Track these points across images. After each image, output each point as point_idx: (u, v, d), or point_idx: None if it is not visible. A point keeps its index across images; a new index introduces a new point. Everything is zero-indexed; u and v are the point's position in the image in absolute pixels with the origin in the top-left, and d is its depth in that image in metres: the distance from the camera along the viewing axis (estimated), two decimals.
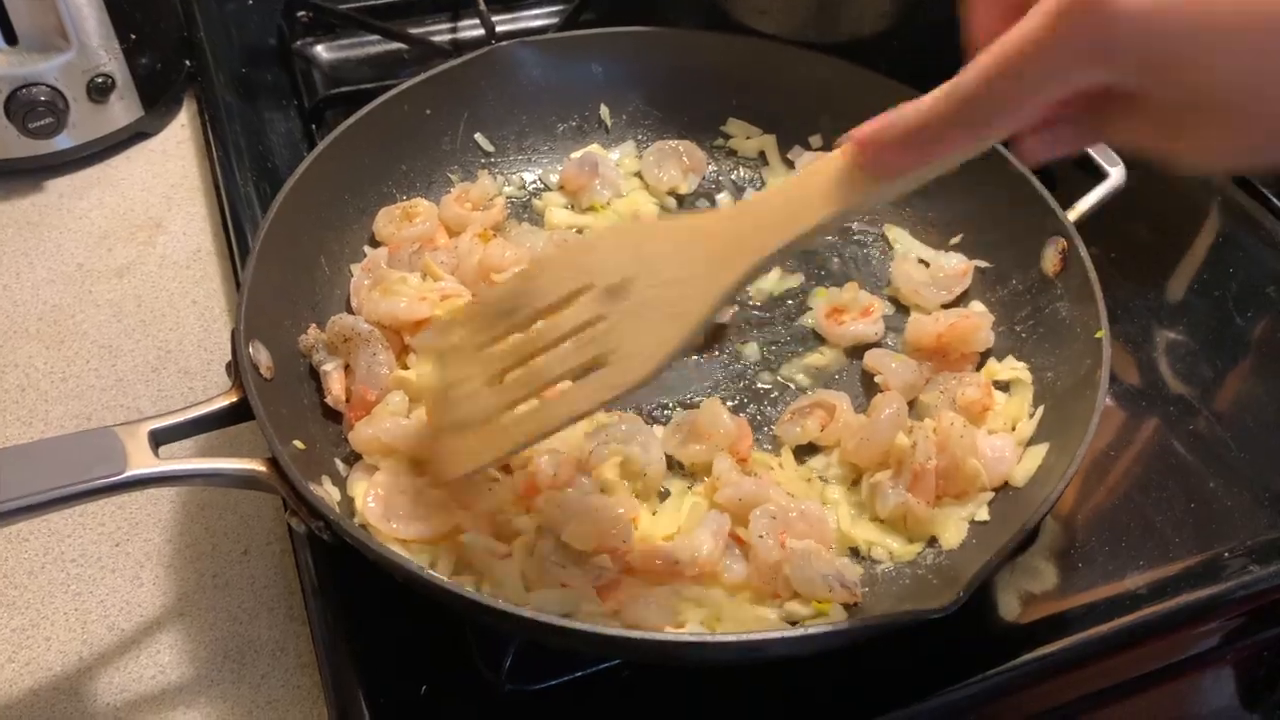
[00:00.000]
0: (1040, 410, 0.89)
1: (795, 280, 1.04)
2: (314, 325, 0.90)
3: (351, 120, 0.99)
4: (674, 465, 0.88)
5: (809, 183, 0.64)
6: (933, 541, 0.84)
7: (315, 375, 0.90)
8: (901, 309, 1.02)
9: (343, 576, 0.80)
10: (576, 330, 0.70)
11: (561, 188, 1.10)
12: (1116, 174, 0.97)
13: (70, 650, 0.82)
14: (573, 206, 1.09)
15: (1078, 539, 0.88)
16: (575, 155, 1.10)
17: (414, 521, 0.80)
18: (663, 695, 0.77)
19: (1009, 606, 0.83)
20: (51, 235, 1.13)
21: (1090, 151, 0.99)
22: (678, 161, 1.11)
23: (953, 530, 0.83)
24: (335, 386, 0.88)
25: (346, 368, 0.90)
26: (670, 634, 0.75)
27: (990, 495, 0.85)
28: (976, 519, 0.84)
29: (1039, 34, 0.52)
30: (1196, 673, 0.90)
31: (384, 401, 0.87)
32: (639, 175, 1.11)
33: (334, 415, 0.89)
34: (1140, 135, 0.56)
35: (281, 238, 0.90)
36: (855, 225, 1.09)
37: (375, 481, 0.82)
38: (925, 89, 1.02)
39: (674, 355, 0.67)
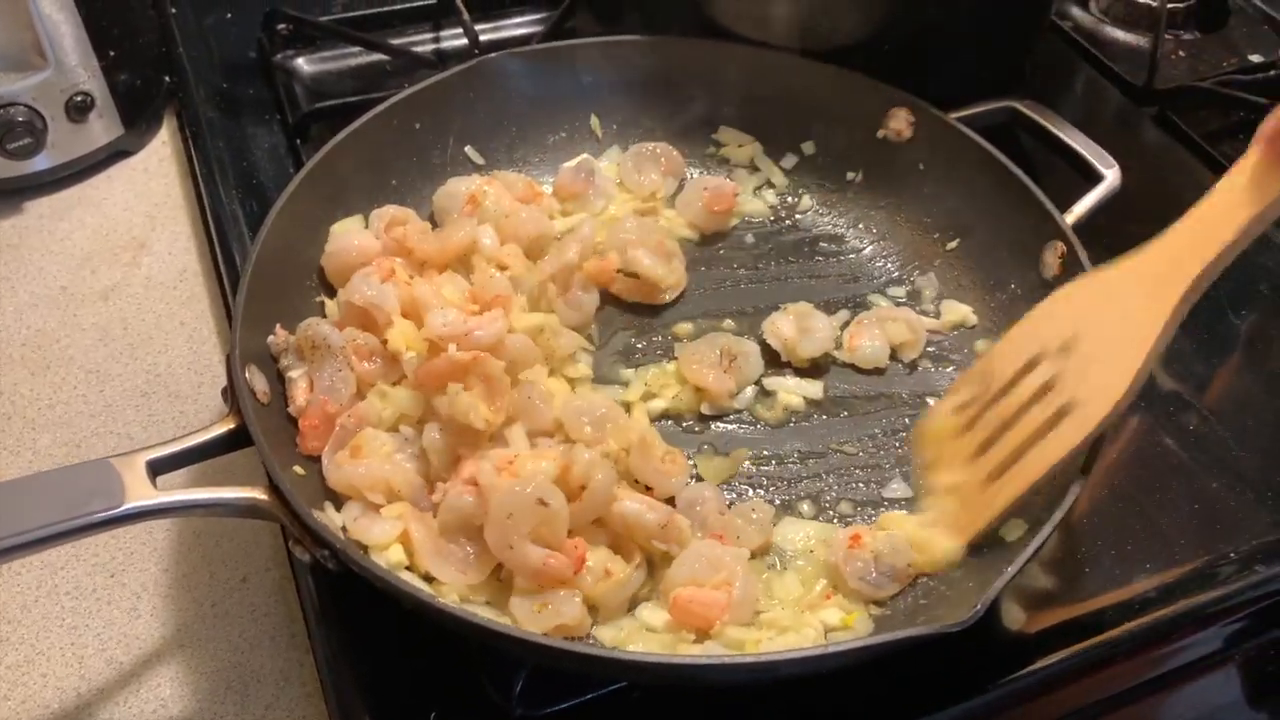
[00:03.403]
0: None
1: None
2: (282, 328, 0.88)
3: (340, 137, 0.98)
4: None
5: (1218, 198, 0.67)
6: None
7: None
8: None
9: (345, 602, 0.79)
10: (1038, 394, 0.75)
11: (554, 195, 1.08)
12: (1112, 176, 0.97)
13: (68, 686, 0.81)
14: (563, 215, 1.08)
15: (1083, 543, 0.88)
16: (570, 164, 1.09)
17: (468, 566, 0.79)
18: (673, 716, 0.76)
19: (1015, 615, 0.83)
20: (33, 258, 1.10)
21: (1084, 153, 0.99)
22: (655, 164, 1.11)
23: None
24: (300, 395, 0.86)
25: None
26: (680, 656, 0.74)
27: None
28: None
29: None
30: (1204, 673, 0.90)
31: (367, 440, 0.84)
32: (620, 182, 1.11)
33: None
34: None
35: (273, 259, 0.88)
36: (849, 232, 1.08)
37: (411, 528, 0.80)
38: (916, 92, 1.04)
39: (1133, 388, 0.71)
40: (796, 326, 0.98)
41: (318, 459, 0.84)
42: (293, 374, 0.87)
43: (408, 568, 0.80)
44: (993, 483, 0.76)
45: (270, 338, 0.88)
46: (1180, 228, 0.71)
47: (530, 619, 0.75)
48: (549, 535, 0.77)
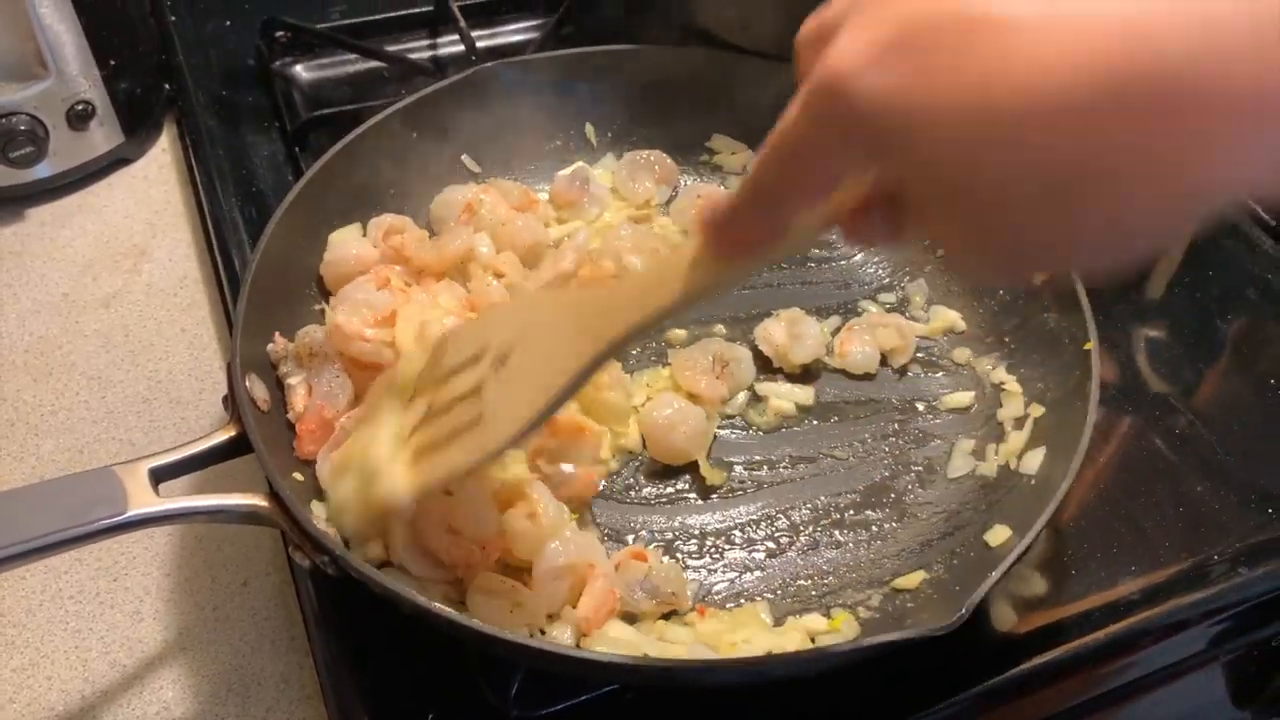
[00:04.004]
0: (1031, 421, 0.90)
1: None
2: (281, 335, 0.90)
3: (338, 146, 0.99)
4: None
5: (668, 264, 0.64)
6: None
7: None
8: None
9: (345, 606, 0.80)
10: (465, 395, 0.72)
11: (550, 203, 1.10)
12: None
13: (72, 689, 0.82)
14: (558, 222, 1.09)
15: (1069, 546, 0.89)
16: (565, 172, 1.11)
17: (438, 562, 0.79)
18: (666, 717, 0.78)
19: (1003, 616, 0.84)
20: (35, 265, 1.12)
21: None
22: (650, 172, 1.12)
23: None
24: (298, 401, 0.87)
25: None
26: (672, 660, 0.75)
27: None
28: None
29: (794, 118, 0.50)
30: (1188, 674, 0.91)
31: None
32: (614, 190, 1.12)
33: None
34: (920, 232, 0.53)
35: (272, 268, 0.89)
36: (843, 247, 1.10)
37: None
38: None
39: (534, 424, 0.69)
40: (788, 332, 0.99)
41: (315, 463, 0.86)
42: (292, 380, 0.89)
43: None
44: (418, 461, 0.73)
45: (270, 345, 0.89)
46: (631, 279, 0.71)
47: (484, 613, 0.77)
48: (459, 524, 0.78)
